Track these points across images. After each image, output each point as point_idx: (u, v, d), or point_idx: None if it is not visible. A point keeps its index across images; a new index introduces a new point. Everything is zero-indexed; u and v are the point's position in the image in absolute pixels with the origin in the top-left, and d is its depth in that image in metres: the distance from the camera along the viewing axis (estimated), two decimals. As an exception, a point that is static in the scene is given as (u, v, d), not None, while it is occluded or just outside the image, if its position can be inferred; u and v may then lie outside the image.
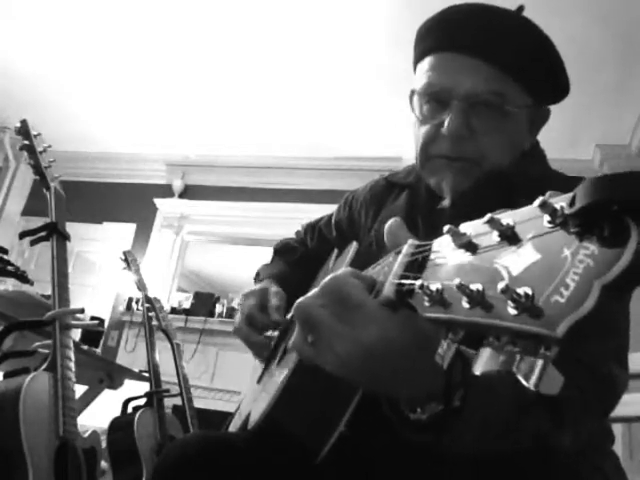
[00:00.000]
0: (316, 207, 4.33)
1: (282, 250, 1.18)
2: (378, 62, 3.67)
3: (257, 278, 1.09)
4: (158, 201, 5.16)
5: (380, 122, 4.28)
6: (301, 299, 0.51)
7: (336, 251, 1.02)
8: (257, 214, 4.90)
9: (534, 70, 0.81)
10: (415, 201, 0.91)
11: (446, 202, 0.83)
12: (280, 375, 0.75)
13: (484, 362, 0.35)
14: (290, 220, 4.40)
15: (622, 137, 4.06)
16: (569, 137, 4.02)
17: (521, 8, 0.83)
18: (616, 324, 0.69)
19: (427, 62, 0.83)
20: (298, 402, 0.71)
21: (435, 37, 0.83)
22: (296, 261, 1.13)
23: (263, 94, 4.19)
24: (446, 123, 0.79)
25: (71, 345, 1.42)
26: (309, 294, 0.51)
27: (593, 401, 0.62)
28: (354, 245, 0.85)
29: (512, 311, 0.30)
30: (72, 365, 1.39)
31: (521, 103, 0.81)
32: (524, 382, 0.31)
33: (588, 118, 3.86)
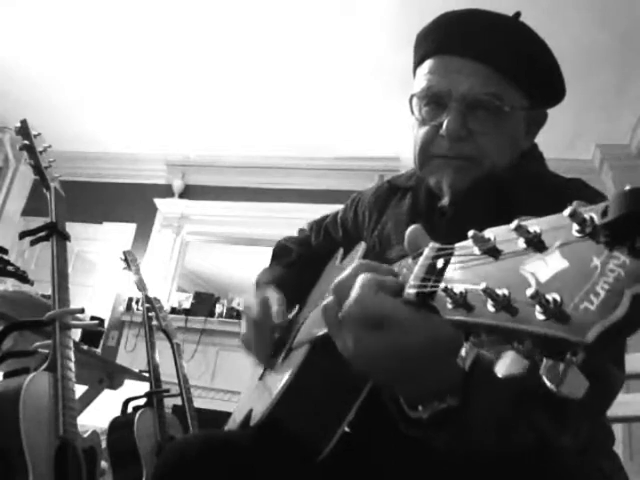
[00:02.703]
0: (316, 207, 4.33)
1: (279, 253, 1.18)
2: (377, 63, 3.67)
3: (257, 284, 1.10)
4: (158, 201, 5.16)
5: (379, 122, 4.29)
6: (341, 279, 0.52)
7: (341, 250, 1.02)
8: (257, 214, 4.90)
9: (530, 73, 0.82)
10: (416, 204, 0.92)
11: (445, 201, 0.83)
12: (284, 373, 0.76)
13: (507, 365, 0.35)
14: (290, 220, 4.39)
15: (622, 137, 4.06)
16: (569, 137, 4.02)
17: (518, 14, 0.85)
18: None
19: (426, 65, 0.85)
20: (302, 400, 0.71)
21: (433, 41, 0.85)
22: (293, 263, 1.14)
23: (263, 94, 4.19)
24: (444, 124, 0.80)
25: (71, 345, 1.42)
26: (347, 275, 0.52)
27: (591, 400, 0.62)
28: (363, 245, 0.86)
29: (540, 316, 0.31)
30: (72, 365, 1.39)
31: (518, 105, 0.82)
32: (549, 384, 0.31)
33: (588, 118, 3.86)
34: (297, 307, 1.06)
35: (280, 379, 0.75)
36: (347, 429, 0.69)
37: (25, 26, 3.86)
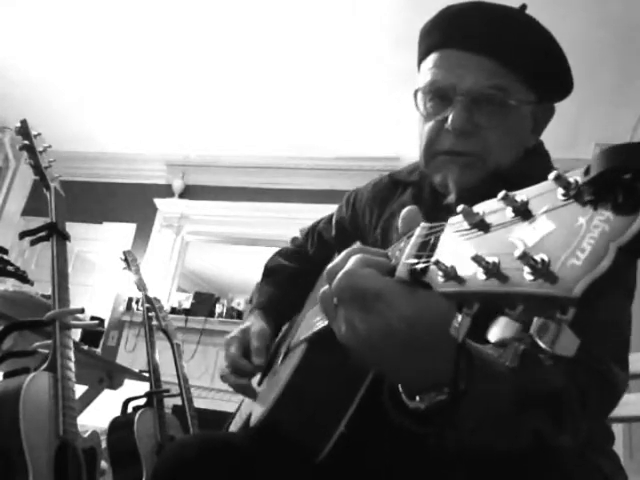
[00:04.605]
0: (316, 207, 4.33)
1: (271, 271, 1.17)
2: (378, 62, 3.67)
3: (250, 303, 1.11)
4: (158, 201, 5.16)
5: (379, 122, 4.29)
6: (333, 264, 0.52)
7: (337, 254, 1.02)
8: (257, 214, 4.90)
9: (537, 66, 0.81)
10: (419, 198, 0.91)
11: (451, 198, 0.82)
12: (282, 374, 0.76)
13: (500, 330, 0.35)
14: (290, 220, 4.41)
15: (622, 137, 4.05)
16: (569, 137, 4.02)
17: (524, 6, 0.84)
18: (616, 323, 0.69)
19: (430, 60, 0.84)
20: (300, 400, 0.71)
21: (438, 34, 0.84)
22: (286, 278, 1.13)
23: (263, 94, 4.19)
24: (450, 119, 0.79)
25: (71, 345, 1.42)
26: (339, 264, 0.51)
27: (593, 401, 0.62)
28: (357, 244, 0.85)
29: (528, 277, 0.31)
30: (72, 365, 1.39)
31: (524, 99, 0.81)
32: (541, 344, 0.32)
33: (588, 118, 3.86)
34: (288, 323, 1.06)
35: (278, 380, 0.75)
36: (344, 429, 0.69)
37: (25, 27, 3.86)
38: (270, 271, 1.17)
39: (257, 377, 1.00)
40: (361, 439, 0.74)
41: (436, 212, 0.85)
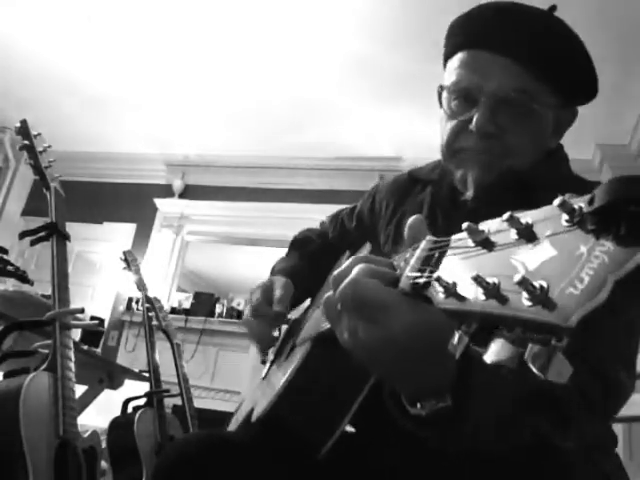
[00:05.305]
0: (316, 207, 4.34)
1: (298, 242, 1.19)
2: (379, 63, 3.67)
3: (272, 272, 1.11)
4: (158, 201, 5.17)
5: (380, 122, 4.29)
6: (339, 270, 0.52)
7: (348, 253, 1.02)
8: (257, 214, 4.91)
9: (564, 72, 0.81)
10: (437, 197, 0.91)
11: (469, 194, 0.83)
12: (287, 370, 0.76)
13: (496, 352, 0.36)
14: (290, 220, 4.41)
15: (622, 137, 4.06)
16: (569, 137, 4.00)
17: (553, 7, 0.83)
18: (625, 331, 0.69)
19: (457, 59, 0.84)
20: (303, 396, 0.72)
21: (466, 34, 0.84)
22: (311, 253, 1.14)
23: (263, 94, 4.19)
24: (474, 120, 0.79)
25: (71, 345, 1.42)
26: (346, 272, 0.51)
27: (597, 404, 0.62)
28: (367, 247, 0.86)
29: (526, 302, 0.32)
30: (72, 365, 1.39)
31: (548, 103, 0.81)
32: (534, 370, 0.32)
33: (588, 118, 3.85)
34: (308, 301, 1.06)
35: (282, 376, 0.76)
36: (353, 429, 0.69)
37: (25, 26, 3.86)
38: (298, 243, 1.19)
39: (258, 376, 1.01)
40: (365, 437, 0.74)
41: (454, 210, 0.86)
